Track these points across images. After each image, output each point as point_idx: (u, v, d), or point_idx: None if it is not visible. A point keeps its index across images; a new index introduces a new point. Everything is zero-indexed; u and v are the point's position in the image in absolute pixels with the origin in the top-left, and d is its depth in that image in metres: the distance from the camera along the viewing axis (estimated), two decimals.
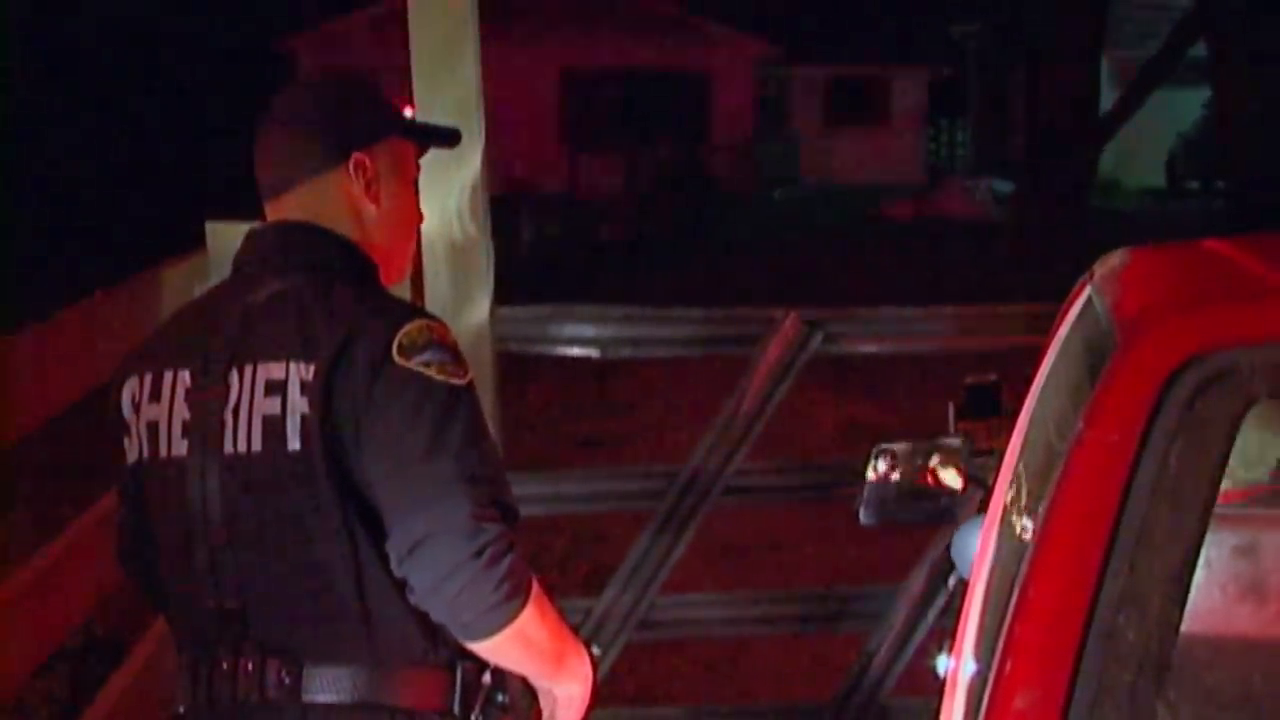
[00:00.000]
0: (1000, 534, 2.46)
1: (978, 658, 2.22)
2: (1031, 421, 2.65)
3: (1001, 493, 2.69)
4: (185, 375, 2.37)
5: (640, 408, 10.73)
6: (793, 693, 5.59)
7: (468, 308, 4.08)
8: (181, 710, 2.44)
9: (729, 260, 19.19)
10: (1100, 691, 1.56)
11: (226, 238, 3.81)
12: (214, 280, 3.70)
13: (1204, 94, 26.37)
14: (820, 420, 9.81)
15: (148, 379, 2.41)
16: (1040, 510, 1.76)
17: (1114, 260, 2.59)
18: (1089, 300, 2.46)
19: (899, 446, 3.31)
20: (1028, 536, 1.85)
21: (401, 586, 2.28)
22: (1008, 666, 1.64)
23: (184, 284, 3.71)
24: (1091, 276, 2.62)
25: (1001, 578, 2.21)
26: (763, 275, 17.06)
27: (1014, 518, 2.31)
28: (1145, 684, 1.57)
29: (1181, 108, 27.05)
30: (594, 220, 22.93)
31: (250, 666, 2.33)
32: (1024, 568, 1.71)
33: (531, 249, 19.10)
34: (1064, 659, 1.59)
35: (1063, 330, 2.67)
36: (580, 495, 4.55)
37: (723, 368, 4.73)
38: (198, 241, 3.84)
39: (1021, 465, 2.56)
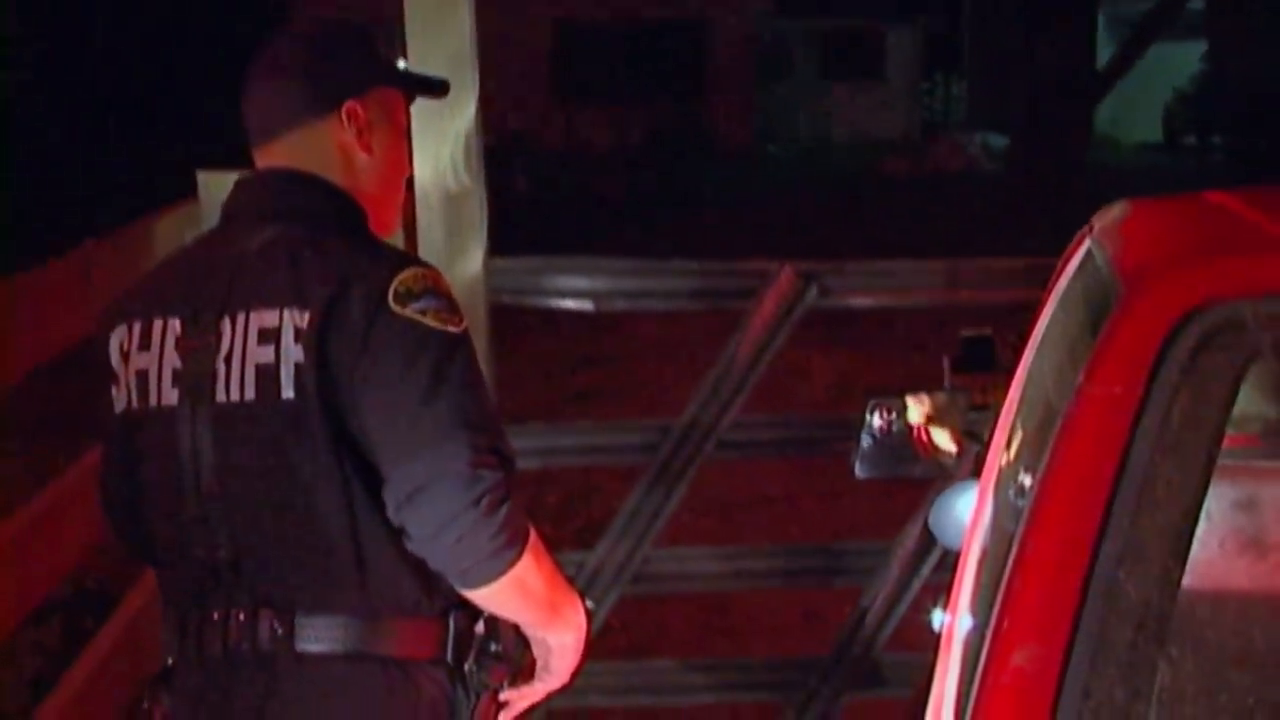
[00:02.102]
0: (997, 489, 2.44)
1: (974, 613, 2.20)
2: (1029, 376, 2.63)
3: (998, 448, 2.67)
4: (175, 324, 2.35)
5: (633, 362, 10.71)
6: (786, 647, 5.59)
7: (461, 259, 4.06)
8: (170, 662, 2.43)
9: (724, 214, 19.13)
10: (1100, 648, 1.55)
11: (218, 187, 3.76)
12: (205, 229, 3.70)
13: (1201, 48, 26.33)
14: (813, 375, 9.78)
15: (136, 327, 2.39)
16: (1040, 465, 1.74)
17: (1114, 212, 2.57)
18: (1089, 253, 2.44)
19: (894, 400, 3.30)
20: (1026, 492, 1.82)
21: (396, 536, 2.27)
22: (1006, 622, 1.62)
23: (175, 234, 3.69)
24: (1091, 229, 2.60)
25: (999, 533, 2.19)
26: (758, 229, 17.02)
27: (1012, 473, 2.29)
28: (1146, 640, 1.55)
29: (1178, 62, 26.96)
30: (588, 173, 22.85)
31: (242, 617, 2.33)
32: (1023, 523, 1.69)
33: (525, 202, 19.02)
34: (1063, 615, 1.57)
35: (1062, 283, 2.64)
36: (574, 448, 4.54)
37: (716, 321, 4.70)
38: (190, 191, 3.81)
39: (1019, 420, 2.54)
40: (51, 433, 7.78)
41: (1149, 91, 26.71)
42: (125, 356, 2.40)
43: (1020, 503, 1.87)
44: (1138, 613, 1.56)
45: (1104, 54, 22.13)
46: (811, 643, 5.10)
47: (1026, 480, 1.90)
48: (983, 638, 1.72)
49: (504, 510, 2.23)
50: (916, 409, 3.31)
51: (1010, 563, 1.67)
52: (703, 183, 23.49)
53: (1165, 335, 1.64)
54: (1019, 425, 2.51)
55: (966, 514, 2.73)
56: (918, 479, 3.81)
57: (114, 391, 2.42)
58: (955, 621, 2.41)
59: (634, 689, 4.61)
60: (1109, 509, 1.59)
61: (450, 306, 2.32)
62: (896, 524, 4.42)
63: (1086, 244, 2.53)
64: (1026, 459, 2.15)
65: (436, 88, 2.74)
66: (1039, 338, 2.68)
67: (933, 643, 2.62)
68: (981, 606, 2.00)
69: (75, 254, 3.25)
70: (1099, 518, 1.59)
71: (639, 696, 4.70)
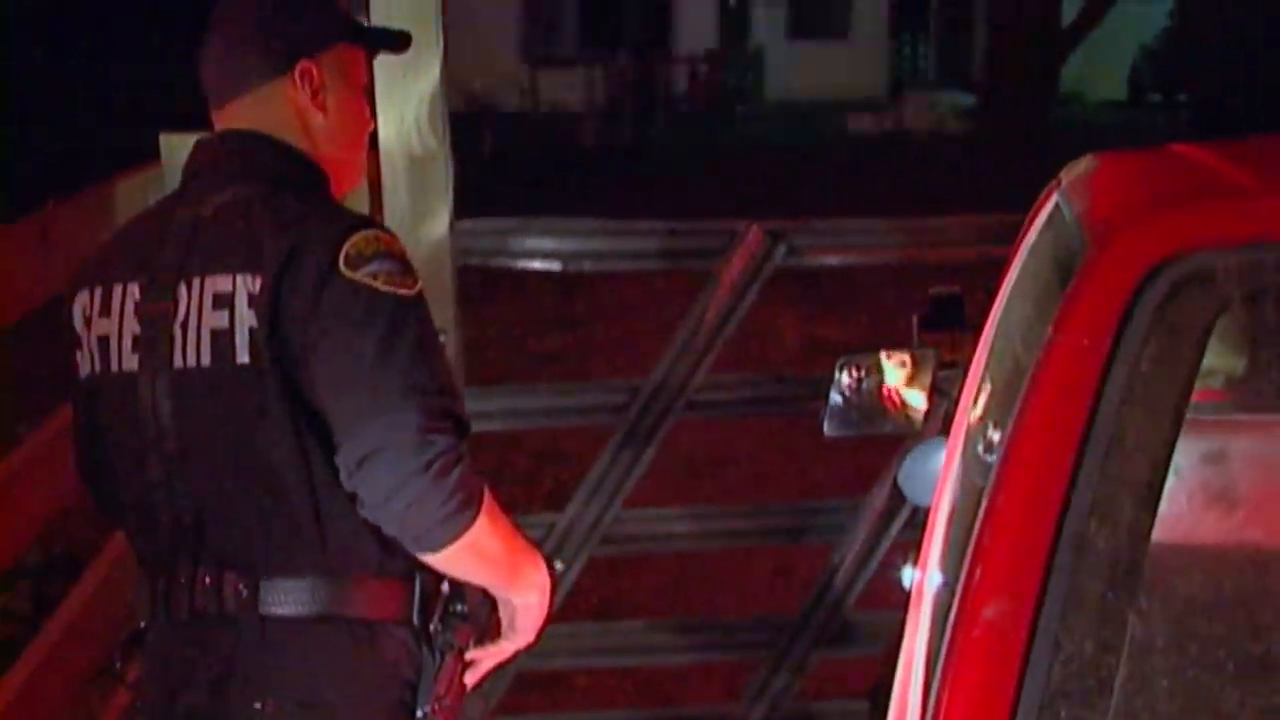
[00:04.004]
0: (966, 446, 2.44)
1: (944, 570, 2.20)
2: (997, 331, 2.62)
3: (966, 404, 2.67)
4: (134, 289, 2.35)
5: (601, 323, 10.70)
6: (756, 606, 5.60)
7: (428, 221, 4.03)
8: (142, 625, 2.43)
9: (691, 175, 19.10)
10: (1070, 600, 1.54)
11: (181, 150, 3.74)
12: (168, 192, 3.66)
13: (1166, 6, 26.33)
14: (782, 335, 9.79)
15: (98, 293, 2.39)
16: (1009, 419, 1.73)
17: (1081, 166, 2.56)
18: (1056, 207, 2.43)
19: (864, 358, 3.29)
20: (995, 446, 1.82)
21: (354, 498, 2.25)
22: (976, 577, 1.61)
23: (138, 196, 3.66)
24: (1059, 184, 2.59)
25: (968, 490, 2.19)
26: (725, 190, 16.98)
27: (980, 429, 2.29)
28: (1116, 592, 1.55)
29: (1144, 20, 26.98)
30: (555, 134, 22.78)
31: (208, 580, 2.32)
32: (992, 477, 1.68)
33: (492, 163, 18.95)
34: (1033, 568, 1.56)
35: (1029, 238, 2.64)
36: (543, 410, 4.52)
37: (681, 281, 4.68)
38: (153, 154, 3.78)
39: (987, 376, 2.53)
40: (13, 395, 7.73)
41: (1115, 49, 26.73)
42: (88, 322, 2.39)
43: (989, 458, 1.87)
44: (1108, 565, 1.55)
45: (1069, 11, 22.16)
46: (782, 602, 5.12)
47: (995, 435, 1.90)
48: (953, 593, 1.71)
49: (455, 475, 2.21)
50: (886, 367, 3.30)
51: (980, 517, 1.66)
52: (669, 143, 23.45)
53: (1134, 287, 1.63)
54: (987, 381, 2.50)
55: (936, 471, 2.73)
56: (886, 437, 3.81)
57: (79, 356, 2.42)
58: (925, 578, 2.41)
59: (605, 650, 4.61)
60: (1078, 462, 1.58)
61: (403, 269, 2.30)
62: (865, 482, 4.42)
63: (1054, 198, 2.52)
64: (995, 414, 2.14)
65: (395, 42, 2.72)
66: (1007, 293, 2.68)
67: (904, 600, 2.62)
68: (951, 562, 2.00)
69: (36, 215, 3.22)
70: (1068, 471, 1.59)
71: (610, 658, 4.71)
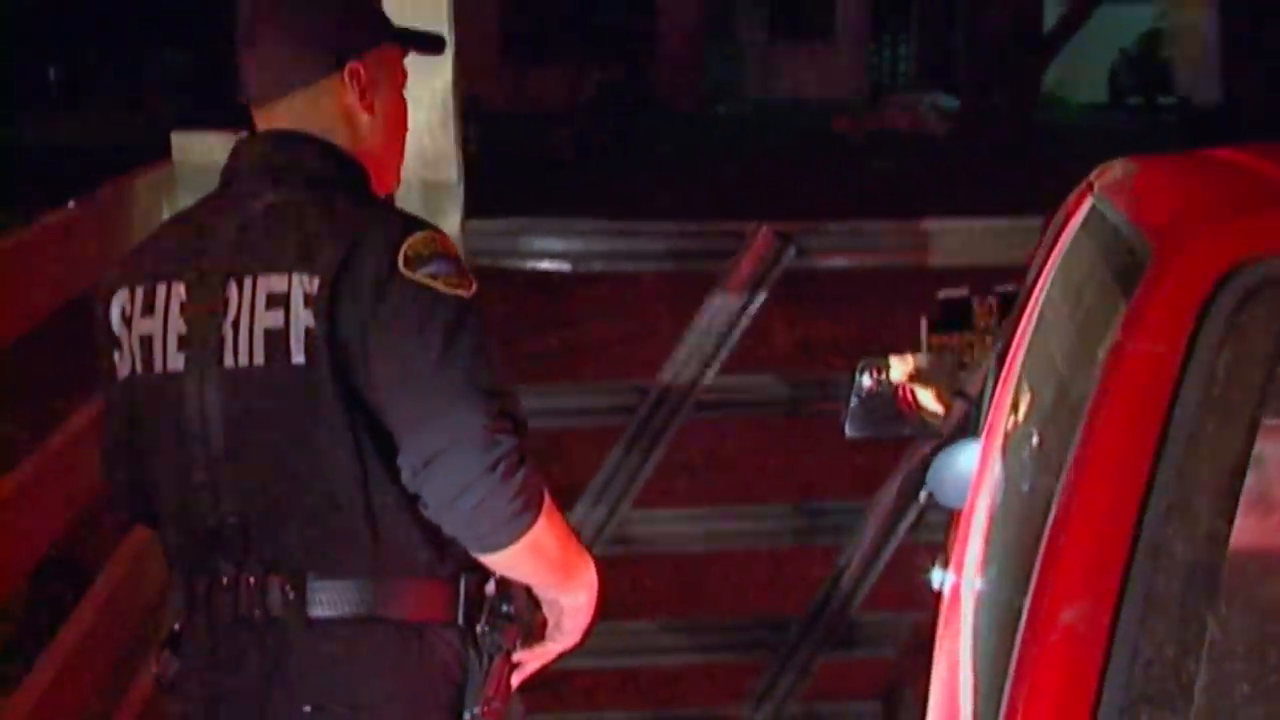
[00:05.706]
0: (1010, 449, 2.44)
1: (989, 574, 2.21)
2: (1036, 334, 2.62)
3: (1002, 408, 2.66)
4: (180, 288, 2.33)
5: (591, 323, 10.69)
6: (760, 608, 5.60)
7: (438, 220, 3.97)
8: (177, 628, 2.41)
9: (675, 175, 19.07)
10: (1149, 604, 1.55)
11: (193, 149, 3.75)
12: (180, 192, 3.65)
13: (1146, 10, 26.43)
14: (776, 336, 9.77)
15: (139, 292, 2.36)
16: (1074, 425, 1.73)
17: (1119, 171, 2.56)
18: (1094, 211, 2.43)
19: (883, 361, 3.30)
20: (1057, 452, 1.82)
21: (409, 499, 2.25)
22: (1052, 582, 1.62)
23: (153, 195, 3.64)
24: (1091, 188, 2.59)
25: (1016, 494, 2.19)
26: (711, 190, 16.98)
27: (1026, 433, 2.29)
28: (1195, 597, 1.56)
29: (1123, 23, 27.06)
30: (539, 134, 22.76)
31: (252, 582, 2.31)
32: (1064, 482, 1.68)
33: (477, 163, 18.91)
34: (1112, 573, 1.56)
35: (1065, 242, 2.64)
36: (551, 410, 4.51)
37: (676, 282, 4.66)
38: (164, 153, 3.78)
39: (1026, 381, 2.53)
40: (35, 395, 7.67)
41: (1094, 52, 26.81)
42: (128, 321, 2.36)
43: (1049, 463, 1.86)
44: (1186, 570, 1.56)
45: (1051, 15, 22.24)
46: (787, 603, 5.11)
47: (1055, 441, 1.90)
48: (1017, 597, 1.71)
49: (520, 474, 2.22)
50: (902, 369, 3.31)
51: (1051, 522, 1.66)
52: (652, 143, 23.45)
53: (1207, 292, 1.63)
54: (1027, 385, 2.50)
55: (967, 474, 2.73)
56: (895, 438, 3.81)
57: (116, 357, 2.39)
58: (965, 580, 2.41)
59: (609, 650, 4.60)
60: (1155, 467, 1.59)
61: (460, 270, 2.30)
62: (868, 483, 4.42)
63: (1089, 202, 2.52)
64: (1047, 420, 2.14)
65: (432, 44, 2.72)
66: (1042, 298, 2.67)
67: (912, 602, 2.61)
68: (1007, 566, 2.00)
69: (60, 213, 3.19)
70: (1145, 475, 1.59)
71: (613, 658, 4.70)
